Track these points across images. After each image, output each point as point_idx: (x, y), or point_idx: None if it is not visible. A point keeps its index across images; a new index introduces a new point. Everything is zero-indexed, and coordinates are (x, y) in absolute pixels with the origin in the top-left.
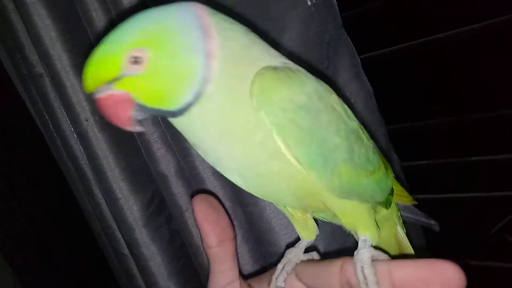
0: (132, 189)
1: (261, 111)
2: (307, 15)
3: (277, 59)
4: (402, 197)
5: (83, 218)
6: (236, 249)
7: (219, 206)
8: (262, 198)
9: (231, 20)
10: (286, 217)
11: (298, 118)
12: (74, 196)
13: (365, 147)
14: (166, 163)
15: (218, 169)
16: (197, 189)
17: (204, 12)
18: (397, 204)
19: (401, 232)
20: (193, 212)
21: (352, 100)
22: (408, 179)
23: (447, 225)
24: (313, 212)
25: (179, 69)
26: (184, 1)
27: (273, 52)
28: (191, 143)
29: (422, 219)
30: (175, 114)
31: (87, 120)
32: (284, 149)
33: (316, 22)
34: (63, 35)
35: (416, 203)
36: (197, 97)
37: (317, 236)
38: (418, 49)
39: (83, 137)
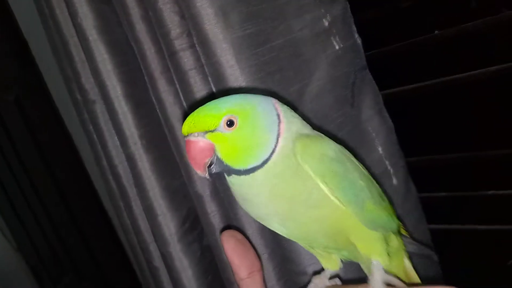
0: (170, 207)
1: (306, 165)
2: (335, 57)
3: (310, 131)
4: (403, 230)
5: (107, 229)
6: (264, 278)
7: (245, 240)
8: (296, 241)
9: (290, 109)
10: None
11: (333, 167)
12: (99, 207)
13: (376, 189)
14: (202, 184)
15: (260, 221)
16: (225, 225)
17: (277, 104)
18: (402, 238)
19: (407, 264)
20: (222, 248)
21: (374, 134)
22: (426, 210)
23: (463, 256)
24: (338, 250)
25: (256, 139)
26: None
27: (308, 126)
28: (239, 198)
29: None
30: (240, 173)
31: (135, 144)
32: (327, 192)
33: (343, 64)
34: (119, 68)
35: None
36: (263, 164)
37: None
38: (437, 87)
39: (130, 158)
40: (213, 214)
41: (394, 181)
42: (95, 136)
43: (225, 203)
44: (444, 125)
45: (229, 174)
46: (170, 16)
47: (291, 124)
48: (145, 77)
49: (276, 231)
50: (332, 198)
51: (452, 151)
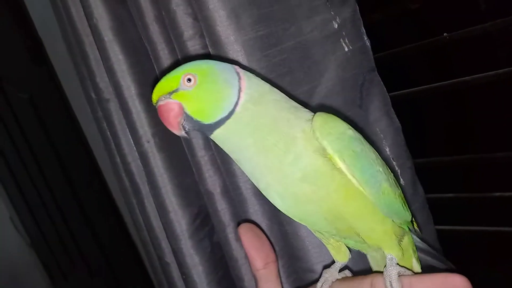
0: (181, 204)
1: (324, 140)
2: (344, 59)
3: (298, 109)
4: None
5: (118, 225)
6: (279, 270)
7: (261, 233)
8: (299, 221)
9: (255, 75)
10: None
11: (351, 145)
12: (111, 204)
13: (391, 175)
14: (213, 183)
15: (257, 185)
16: (243, 219)
17: (239, 68)
18: (413, 239)
19: (416, 265)
20: (240, 240)
21: (382, 135)
22: (432, 210)
23: (469, 257)
24: (344, 238)
25: (218, 92)
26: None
27: (294, 103)
28: (231, 156)
29: (440, 263)
30: (212, 127)
31: (148, 142)
32: (345, 170)
33: (352, 66)
34: (133, 68)
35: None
36: (230, 115)
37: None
38: (446, 89)
39: (143, 156)
40: (223, 212)
41: (402, 181)
42: (108, 133)
43: (235, 201)
44: (452, 127)
45: (206, 132)
46: (183, 18)
47: (253, 82)
48: (159, 77)
49: (275, 204)
50: (350, 176)
51: (459, 153)
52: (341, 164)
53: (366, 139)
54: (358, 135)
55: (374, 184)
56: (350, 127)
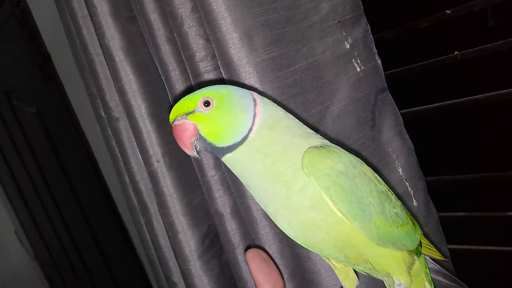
0: (191, 224)
1: (311, 177)
2: (356, 79)
3: (310, 135)
4: (431, 251)
5: (124, 242)
6: None
7: (269, 258)
8: (307, 247)
9: (272, 101)
10: None
11: (339, 181)
12: (117, 220)
13: (393, 205)
14: (223, 203)
15: (266, 210)
16: (251, 244)
17: (256, 94)
18: (425, 262)
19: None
20: (248, 265)
21: (394, 155)
22: (444, 229)
23: (480, 277)
24: (353, 264)
25: (233, 118)
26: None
27: (307, 129)
28: (241, 180)
29: (454, 284)
30: (224, 150)
31: (158, 161)
32: (331, 205)
33: (364, 86)
34: (144, 88)
35: (443, 259)
36: (243, 141)
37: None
38: (458, 107)
39: (153, 176)
40: (233, 233)
41: (415, 202)
42: (117, 152)
43: (245, 222)
44: (464, 145)
45: (217, 154)
46: (195, 39)
47: (268, 108)
48: (169, 98)
49: (283, 230)
50: (336, 211)
51: (472, 171)
52: (327, 200)
53: (372, 164)
54: (351, 167)
55: (363, 218)
56: (344, 158)
